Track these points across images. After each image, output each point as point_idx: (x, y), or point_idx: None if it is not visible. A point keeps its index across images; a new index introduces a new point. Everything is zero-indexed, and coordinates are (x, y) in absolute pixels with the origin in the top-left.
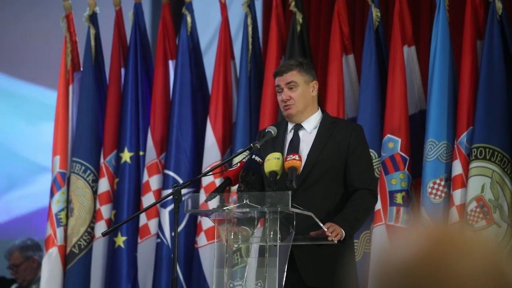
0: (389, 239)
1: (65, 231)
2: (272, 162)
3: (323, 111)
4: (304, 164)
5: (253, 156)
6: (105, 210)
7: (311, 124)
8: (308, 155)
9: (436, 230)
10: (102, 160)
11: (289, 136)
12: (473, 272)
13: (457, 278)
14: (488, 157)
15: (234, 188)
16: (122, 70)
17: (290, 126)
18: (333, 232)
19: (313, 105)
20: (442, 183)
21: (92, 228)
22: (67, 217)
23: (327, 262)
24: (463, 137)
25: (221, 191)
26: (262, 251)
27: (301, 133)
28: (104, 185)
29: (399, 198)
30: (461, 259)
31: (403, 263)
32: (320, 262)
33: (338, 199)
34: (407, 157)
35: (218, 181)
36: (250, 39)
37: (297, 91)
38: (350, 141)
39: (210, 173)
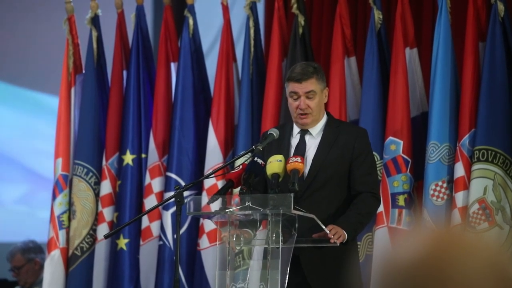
0: (391, 241)
1: (67, 233)
2: (274, 165)
3: (327, 113)
4: (310, 168)
5: (255, 158)
6: (107, 213)
7: (317, 128)
8: (313, 159)
9: (438, 232)
10: (104, 162)
11: (295, 140)
12: (475, 273)
13: (460, 279)
14: (490, 159)
15: (236, 190)
16: (124, 73)
17: (296, 129)
18: (336, 234)
19: (323, 111)
20: (444, 185)
21: (94, 231)
22: (69, 220)
23: (331, 265)
24: (465, 139)
25: (223, 193)
26: (264, 253)
27: (306, 137)
28: (106, 187)
29: (401, 200)
30: (464, 260)
31: (405, 264)
32: (325, 265)
33: (342, 203)
34: (409, 159)
35: (220, 184)
36: (252, 41)
37: (315, 100)
38: (355, 146)
39: (212, 175)
